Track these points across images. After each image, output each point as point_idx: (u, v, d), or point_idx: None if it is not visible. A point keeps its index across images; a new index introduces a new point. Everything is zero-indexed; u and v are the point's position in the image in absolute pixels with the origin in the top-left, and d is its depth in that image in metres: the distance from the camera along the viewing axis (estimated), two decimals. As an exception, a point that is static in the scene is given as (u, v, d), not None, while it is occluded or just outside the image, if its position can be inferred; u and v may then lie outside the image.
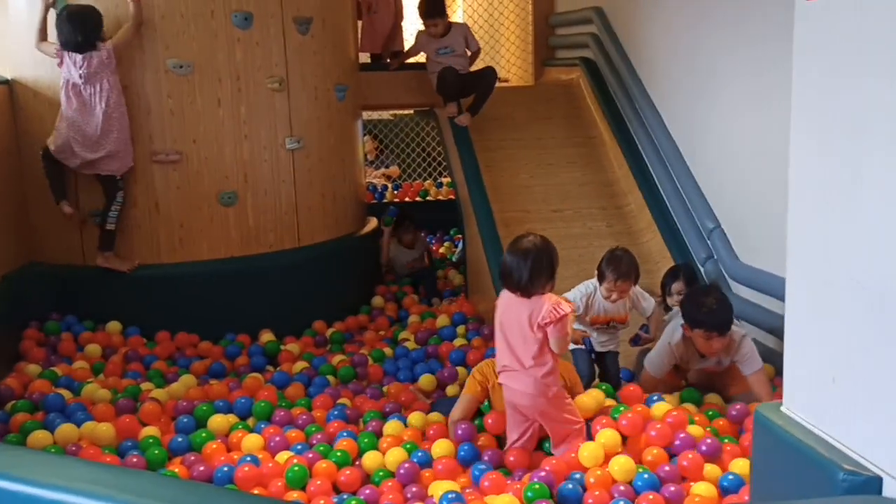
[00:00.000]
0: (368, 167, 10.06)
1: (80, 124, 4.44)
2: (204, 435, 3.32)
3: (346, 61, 5.43)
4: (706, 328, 3.38)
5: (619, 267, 3.62)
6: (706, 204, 4.64)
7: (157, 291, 4.74)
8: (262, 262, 4.93)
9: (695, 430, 3.08)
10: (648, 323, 3.84)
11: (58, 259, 4.83)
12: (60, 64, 4.43)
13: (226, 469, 3.02)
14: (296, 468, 2.95)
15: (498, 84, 7.97)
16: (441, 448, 3.08)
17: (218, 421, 3.44)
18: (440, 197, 7.27)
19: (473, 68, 5.95)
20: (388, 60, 6.16)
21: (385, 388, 3.96)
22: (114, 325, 4.62)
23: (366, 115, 9.47)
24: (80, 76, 4.39)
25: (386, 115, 9.29)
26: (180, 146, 4.68)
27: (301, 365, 4.27)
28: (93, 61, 4.38)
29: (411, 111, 8.02)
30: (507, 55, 7.91)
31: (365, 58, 6.19)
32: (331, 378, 4.09)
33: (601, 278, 3.70)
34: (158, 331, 4.68)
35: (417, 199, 7.35)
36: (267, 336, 4.73)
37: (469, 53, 5.88)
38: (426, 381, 4.04)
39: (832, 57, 2.12)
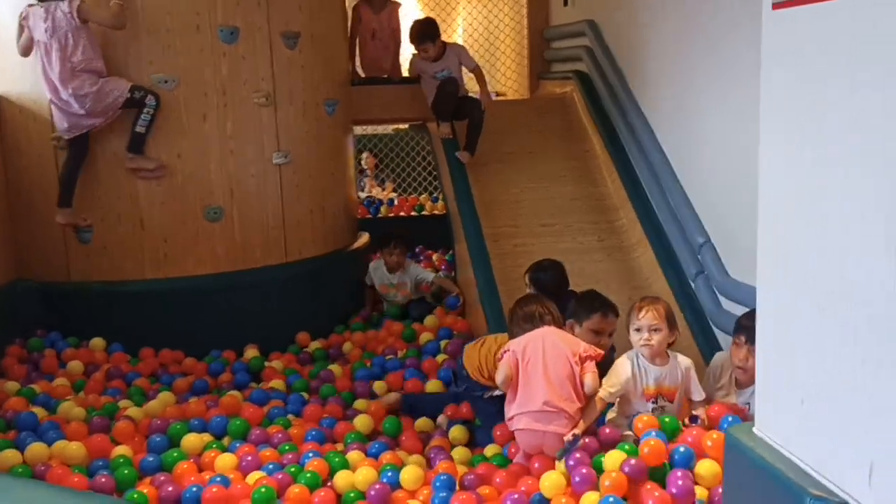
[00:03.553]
0: (373, 181, 10.08)
1: (56, 86, 4.39)
2: (175, 454, 3.26)
3: (337, 76, 5.40)
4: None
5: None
6: (696, 218, 4.57)
7: (142, 307, 4.70)
8: (249, 277, 4.88)
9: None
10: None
11: (44, 276, 4.81)
12: (26, 21, 4.41)
13: (195, 489, 2.96)
14: (262, 489, 2.88)
15: (494, 98, 8.01)
16: (410, 473, 3.00)
17: (191, 440, 3.38)
18: (436, 212, 7.21)
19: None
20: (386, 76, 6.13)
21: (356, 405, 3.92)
22: (97, 342, 4.58)
23: (367, 129, 9.59)
24: (45, 30, 4.36)
25: (385, 129, 9.28)
26: (165, 160, 4.65)
27: (277, 382, 4.21)
28: (56, 13, 4.34)
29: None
30: (504, 69, 7.89)
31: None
32: (305, 395, 4.03)
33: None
34: (143, 347, 4.64)
35: (413, 213, 7.28)
36: (251, 352, 4.68)
37: (469, 71, 5.83)
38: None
39: (798, 67, 2.07)
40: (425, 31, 5.65)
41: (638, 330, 3.07)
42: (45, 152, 4.69)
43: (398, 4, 6.05)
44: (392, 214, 7.28)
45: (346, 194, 5.57)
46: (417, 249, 6.73)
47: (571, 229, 5.31)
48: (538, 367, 3.03)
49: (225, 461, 3.21)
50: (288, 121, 4.97)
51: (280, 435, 3.47)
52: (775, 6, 2.09)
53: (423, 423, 3.71)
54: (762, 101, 2.21)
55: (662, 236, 4.89)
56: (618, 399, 3.12)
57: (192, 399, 4.05)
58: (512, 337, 3.24)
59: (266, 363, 4.58)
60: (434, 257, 6.51)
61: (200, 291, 4.75)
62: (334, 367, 4.39)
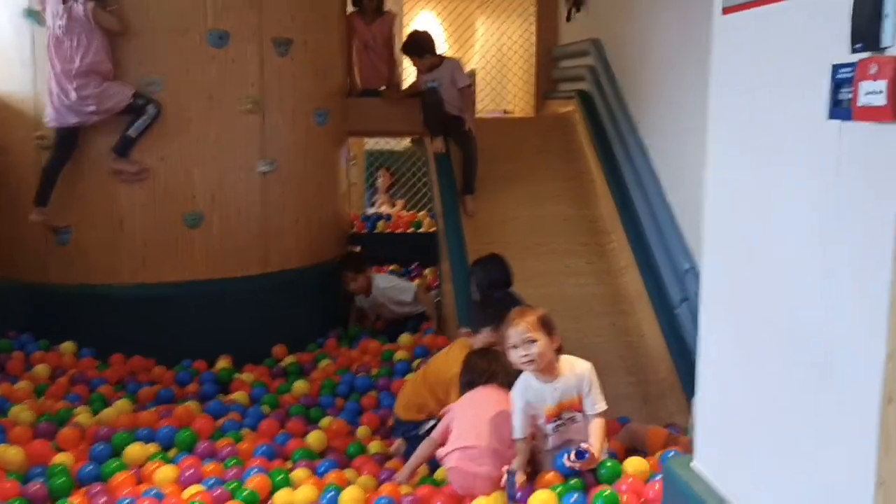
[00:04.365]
0: (385, 198, 10.00)
1: (62, 79, 4.38)
2: (115, 465, 3.15)
3: (330, 86, 5.33)
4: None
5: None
6: (682, 243, 4.41)
7: (117, 312, 4.63)
8: (227, 286, 4.79)
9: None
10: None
11: (26, 276, 4.76)
12: (44, 9, 4.44)
13: (126, 502, 2.85)
14: (195, 505, 2.77)
15: (503, 115, 7.90)
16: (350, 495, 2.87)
17: (135, 450, 3.27)
18: (433, 229, 7.07)
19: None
20: (384, 88, 6.00)
21: (322, 423, 3.78)
22: (67, 346, 4.51)
23: (385, 145, 9.52)
24: (60, 27, 4.36)
25: (400, 145, 9.21)
26: (147, 164, 4.59)
27: (239, 395, 4.09)
28: (71, 12, 4.35)
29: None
30: (513, 88, 7.79)
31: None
32: (266, 408, 3.91)
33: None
34: (115, 353, 4.56)
35: (410, 230, 7.16)
36: (222, 363, 4.57)
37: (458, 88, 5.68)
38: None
39: (746, 71, 1.94)
40: (411, 44, 5.56)
41: (515, 347, 2.82)
42: (28, 150, 4.65)
43: (393, 15, 5.96)
44: (389, 230, 7.16)
45: (334, 206, 5.48)
46: (412, 266, 6.60)
47: (561, 250, 5.16)
48: (476, 418, 2.97)
49: (165, 473, 3.09)
50: (275, 129, 4.89)
51: (228, 449, 3.35)
52: (725, 10, 1.97)
53: (377, 445, 3.58)
54: (710, 107, 2.12)
55: (651, 261, 4.73)
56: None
57: (156, 408, 3.96)
58: (461, 386, 3.20)
59: (236, 375, 4.47)
60: (426, 272, 6.38)
61: (176, 298, 4.67)
62: (299, 384, 4.26)
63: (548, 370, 2.84)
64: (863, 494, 1.48)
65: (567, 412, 2.87)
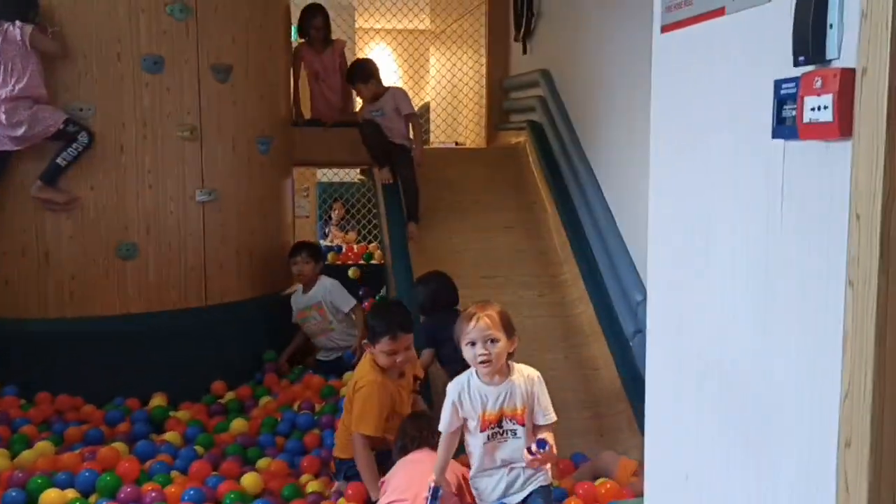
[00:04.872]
0: (337, 230, 9.84)
1: None
2: (28, 513, 2.93)
3: (273, 113, 5.19)
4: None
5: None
6: (636, 275, 4.33)
7: (44, 349, 4.38)
8: (162, 320, 4.58)
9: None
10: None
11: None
12: None
13: (36, 555, 2.63)
14: (111, 558, 2.55)
15: (455, 146, 7.82)
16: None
17: (51, 496, 3.04)
18: (384, 261, 6.92)
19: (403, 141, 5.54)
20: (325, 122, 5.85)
21: (259, 464, 3.57)
22: (-12, 384, 4.25)
23: (335, 177, 9.38)
24: None
25: (353, 178, 9.08)
26: (77, 193, 4.39)
27: (172, 435, 3.87)
28: (6, 35, 4.16)
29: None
30: (464, 120, 7.73)
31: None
32: (200, 449, 3.69)
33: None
34: (41, 391, 4.30)
35: (361, 262, 7.00)
36: (157, 401, 4.34)
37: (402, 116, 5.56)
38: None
39: (686, 101, 1.84)
40: (355, 71, 5.43)
41: (472, 344, 2.60)
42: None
43: (343, 42, 5.85)
44: (339, 262, 7.00)
45: (279, 237, 5.31)
46: (361, 292, 6.43)
47: (513, 282, 5.04)
48: (409, 476, 2.88)
49: (81, 522, 2.87)
50: (215, 157, 4.73)
51: (154, 494, 3.13)
52: (664, 29, 1.88)
53: (315, 485, 3.38)
54: (652, 129, 2.03)
55: (603, 293, 4.64)
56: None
57: (82, 450, 3.72)
58: (395, 452, 3.12)
59: (172, 413, 4.24)
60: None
61: (108, 333, 4.44)
62: (238, 422, 4.05)
63: (497, 372, 2.64)
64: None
65: (508, 422, 2.63)
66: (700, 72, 1.77)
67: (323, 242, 8.39)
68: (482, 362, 2.60)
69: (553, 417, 2.67)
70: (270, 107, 5.13)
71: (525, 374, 2.69)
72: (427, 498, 2.61)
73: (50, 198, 4.32)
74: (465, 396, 2.64)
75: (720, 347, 1.70)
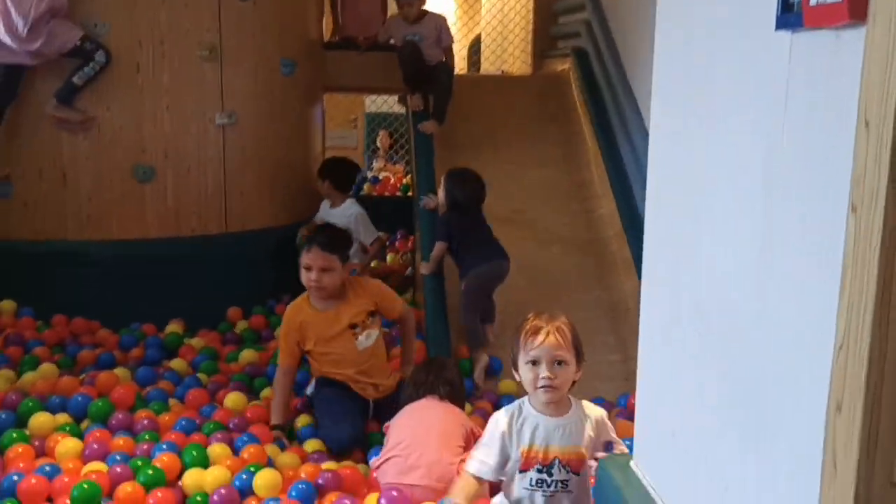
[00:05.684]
0: (385, 161, 9.62)
1: (9, 9, 4.02)
2: (15, 435, 2.86)
3: (300, 34, 4.96)
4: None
5: None
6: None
7: (62, 270, 4.33)
8: (181, 246, 4.47)
9: None
10: None
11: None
12: None
13: (15, 478, 2.56)
14: (85, 485, 2.46)
15: (500, 74, 7.49)
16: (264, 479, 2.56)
17: (41, 420, 2.97)
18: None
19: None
20: (360, 40, 5.59)
21: (263, 394, 3.46)
22: (6, 305, 4.22)
23: (384, 106, 9.14)
24: None
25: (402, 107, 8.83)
26: (92, 113, 4.26)
27: (177, 363, 3.78)
28: None
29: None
30: (511, 48, 7.37)
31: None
32: (203, 377, 3.60)
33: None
34: (57, 314, 4.27)
35: (398, 194, 6.80)
36: (173, 327, 4.26)
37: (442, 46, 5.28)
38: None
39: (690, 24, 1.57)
40: None
41: (534, 363, 2.07)
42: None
43: None
44: (376, 193, 6.81)
45: (305, 165, 5.13)
46: (398, 233, 6.24)
47: (544, 218, 4.78)
48: (414, 428, 2.71)
49: (67, 447, 2.79)
50: (235, 78, 4.53)
51: (146, 421, 3.04)
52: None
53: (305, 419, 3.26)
54: (655, 62, 1.79)
55: (639, 230, 4.33)
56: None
57: (95, 373, 3.66)
58: (404, 398, 2.96)
59: (186, 340, 4.16)
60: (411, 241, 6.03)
61: (124, 257, 4.36)
62: (247, 352, 3.93)
63: (561, 401, 2.14)
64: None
65: (560, 469, 2.07)
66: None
67: (369, 174, 8.19)
68: (544, 387, 2.07)
69: (624, 449, 2.14)
70: (296, 27, 4.90)
71: (593, 415, 2.17)
72: None
73: (65, 117, 4.21)
74: (515, 425, 2.11)
75: (717, 289, 1.46)
